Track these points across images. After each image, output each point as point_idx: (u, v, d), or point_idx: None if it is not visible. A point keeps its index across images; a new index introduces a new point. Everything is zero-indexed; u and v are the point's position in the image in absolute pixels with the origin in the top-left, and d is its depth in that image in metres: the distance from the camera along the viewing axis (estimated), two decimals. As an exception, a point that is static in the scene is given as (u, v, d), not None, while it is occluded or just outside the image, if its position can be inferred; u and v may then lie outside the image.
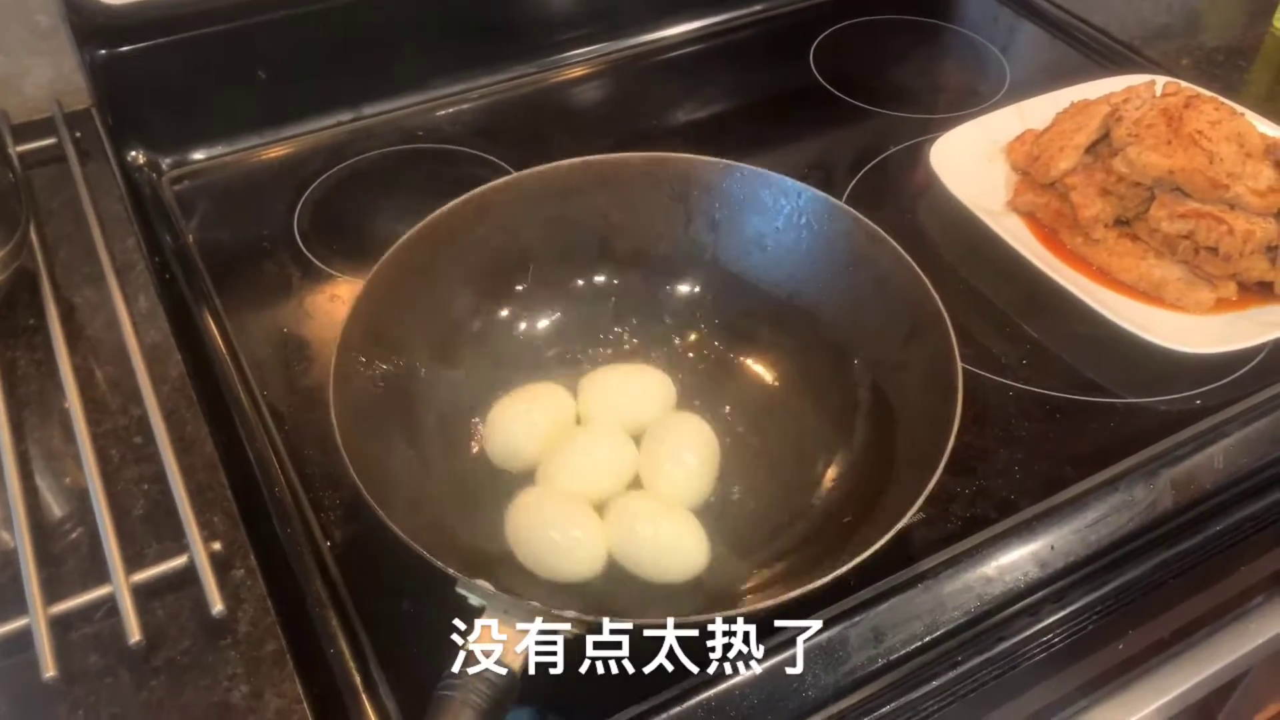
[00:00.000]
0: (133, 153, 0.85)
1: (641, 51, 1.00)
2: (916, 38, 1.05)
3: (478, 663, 0.46)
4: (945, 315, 0.59)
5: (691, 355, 0.68)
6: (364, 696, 0.52)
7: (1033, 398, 0.68)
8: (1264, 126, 0.78)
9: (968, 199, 0.78)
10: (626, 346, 0.69)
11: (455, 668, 0.46)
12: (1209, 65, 0.98)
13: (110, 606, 0.53)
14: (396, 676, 0.53)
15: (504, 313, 0.68)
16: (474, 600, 0.48)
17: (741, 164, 0.68)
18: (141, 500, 0.59)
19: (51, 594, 0.53)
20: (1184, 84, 0.81)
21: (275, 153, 0.88)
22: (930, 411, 0.56)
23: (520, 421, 0.61)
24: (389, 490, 0.53)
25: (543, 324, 0.68)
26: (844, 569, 0.49)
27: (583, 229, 0.68)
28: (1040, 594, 0.59)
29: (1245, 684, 0.90)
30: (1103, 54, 0.99)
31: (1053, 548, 0.60)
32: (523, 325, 0.68)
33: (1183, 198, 0.73)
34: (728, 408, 0.65)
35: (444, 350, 0.64)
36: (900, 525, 0.50)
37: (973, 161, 0.83)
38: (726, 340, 0.69)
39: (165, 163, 0.86)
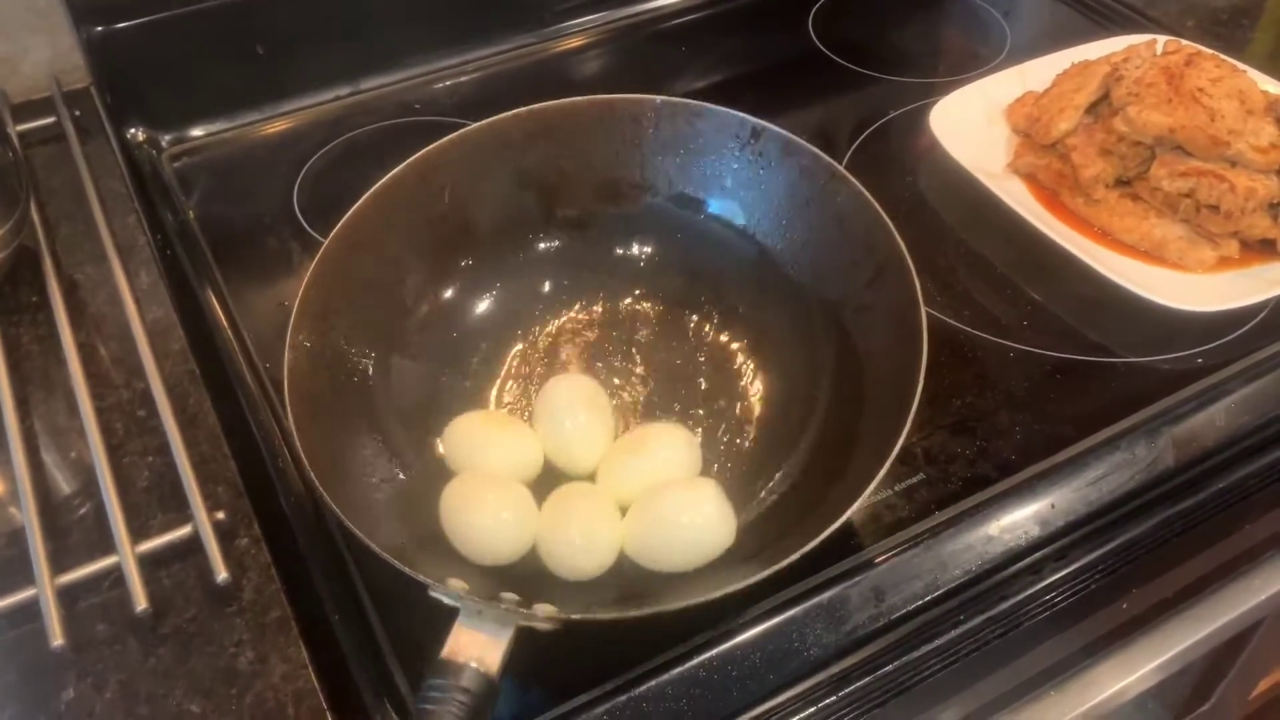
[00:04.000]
0: (132, 130, 0.85)
1: (640, 20, 1.00)
2: (917, 1, 1.04)
3: (455, 670, 0.45)
4: (906, 255, 0.58)
5: (649, 309, 0.68)
6: (368, 661, 0.52)
7: (1034, 359, 0.68)
8: (1266, 84, 0.78)
9: (968, 162, 0.78)
10: (579, 310, 0.68)
11: (434, 678, 0.45)
12: (1213, 24, 0.97)
13: (116, 576, 0.54)
14: (400, 640, 0.53)
15: (448, 293, 0.66)
16: (449, 603, 0.47)
17: (692, 100, 0.66)
18: (146, 472, 0.59)
19: (58, 565, 0.54)
20: (1185, 42, 0.80)
21: (274, 128, 0.88)
22: (897, 357, 0.56)
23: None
24: (351, 488, 0.53)
25: (494, 290, 0.67)
26: (823, 535, 0.49)
27: (534, 182, 0.67)
28: (1042, 552, 0.59)
29: (1252, 646, 0.90)
30: (1105, 15, 0.98)
31: (1053, 506, 0.60)
32: (474, 296, 0.67)
33: (1184, 156, 0.73)
34: (690, 361, 0.65)
35: (394, 337, 0.63)
36: (876, 480, 0.50)
37: (973, 124, 0.82)
38: (687, 293, 0.68)
39: (165, 139, 0.86)
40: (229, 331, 0.69)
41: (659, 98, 0.67)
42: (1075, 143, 0.76)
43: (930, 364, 0.65)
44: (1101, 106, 0.78)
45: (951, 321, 0.70)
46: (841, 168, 0.63)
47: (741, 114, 0.66)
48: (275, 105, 0.89)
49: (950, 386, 0.65)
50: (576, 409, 0.59)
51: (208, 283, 0.73)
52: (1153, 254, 0.73)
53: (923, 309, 0.56)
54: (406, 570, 0.47)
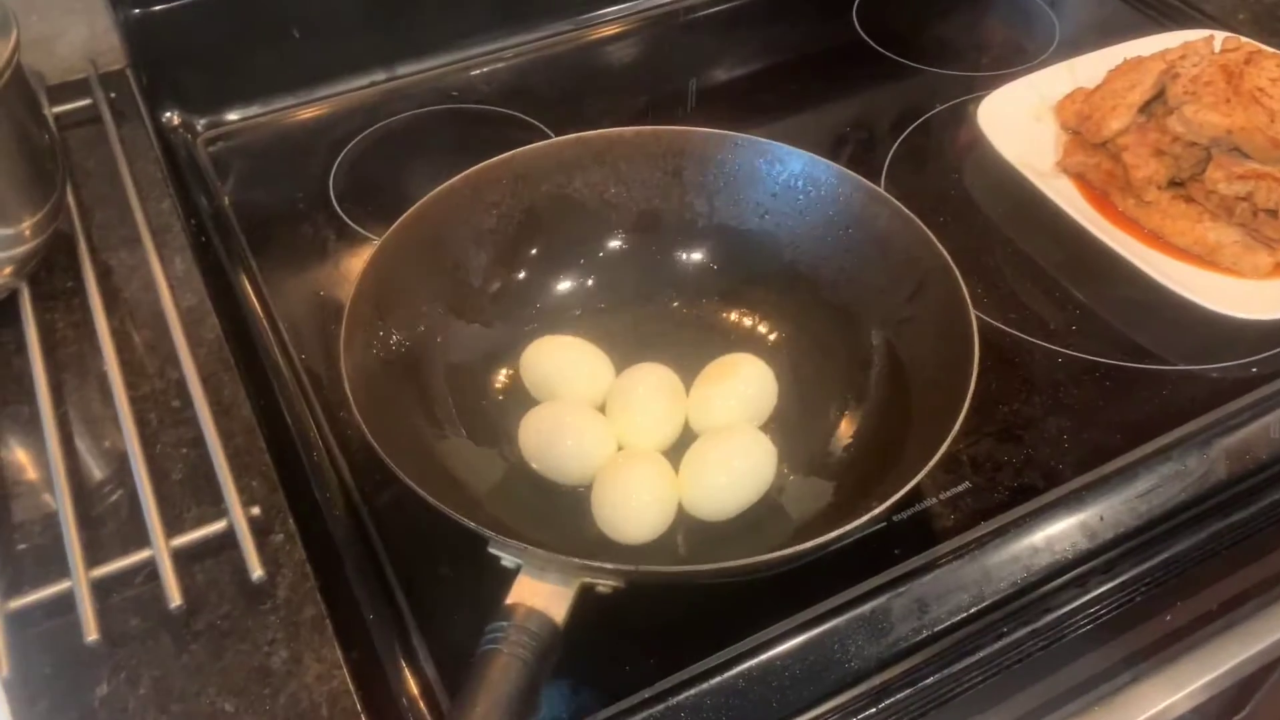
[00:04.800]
0: (168, 113, 0.85)
1: (679, 8, 0.98)
2: (963, -8, 1.02)
3: (521, 615, 0.45)
4: (952, 264, 0.59)
5: (694, 321, 0.67)
6: (403, 662, 0.52)
7: (1082, 364, 0.66)
8: (1328, 84, 0.75)
9: (1016, 159, 0.76)
10: (628, 315, 0.68)
11: (499, 621, 0.45)
12: (1269, 20, 0.94)
13: (150, 570, 0.53)
14: (436, 642, 0.52)
15: (520, 275, 0.67)
16: (507, 562, 0.48)
17: (735, 133, 0.67)
18: (180, 464, 0.59)
19: (92, 557, 0.53)
20: (1244, 39, 0.78)
21: (310, 113, 0.87)
22: (946, 361, 0.56)
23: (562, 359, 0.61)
24: (411, 453, 0.53)
25: (555, 288, 0.68)
26: (870, 514, 0.49)
27: (580, 205, 0.68)
28: (1088, 565, 0.58)
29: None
30: (1157, 9, 0.96)
31: (1102, 518, 0.58)
32: (534, 291, 0.68)
33: (1241, 158, 0.71)
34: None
35: (461, 308, 0.64)
36: (924, 471, 0.50)
37: (1021, 121, 0.81)
38: (729, 306, 0.68)
39: (200, 123, 0.85)
40: (264, 321, 0.69)
41: (702, 130, 0.67)
42: (1127, 142, 0.74)
43: (978, 369, 0.65)
44: (1155, 105, 0.76)
45: (998, 324, 0.68)
46: (881, 189, 0.63)
47: (783, 145, 0.66)
48: (311, 90, 0.88)
49: (997, 392, 0.64)
50: (655, 397, 0.60)
51: (242, 270, 0.73)
52: (1206, 259, 0.71)
53: (972, 312, 0.56)
54: (470, 524, 0.47)
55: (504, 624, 0.45)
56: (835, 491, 0.57)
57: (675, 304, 0.68)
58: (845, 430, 0.61)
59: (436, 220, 0.63)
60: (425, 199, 0.62)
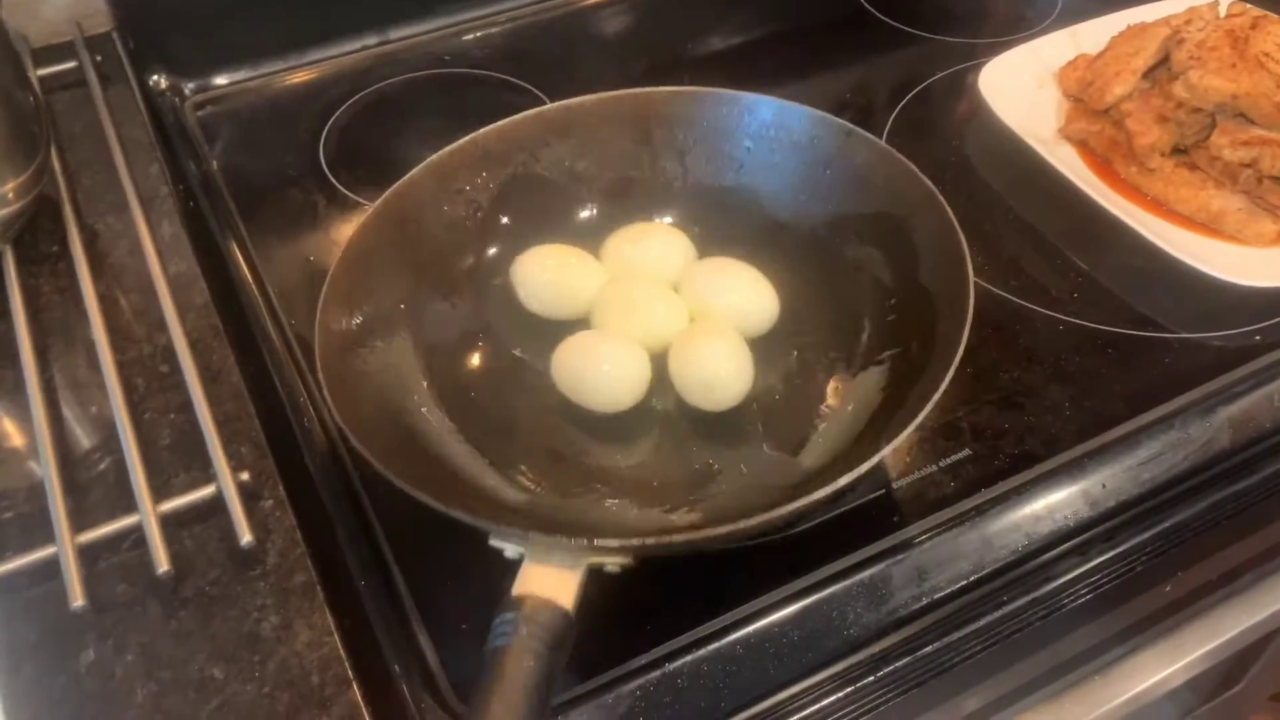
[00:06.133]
0: (155, 77, 0.83)
1: (676, -27, 0.97)
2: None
3: (530, 606, 0.43)
4: (936, 192, 0.58)
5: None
6: (395, 628, 0.51)
7: (1084, 332, 0.65)
8: (1334, 50, 0.74)
9: (1018, 126, 0.75)
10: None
11: (507, 614, 0.43)
12: (1274, -15, 0.93)
13: (138, 536, 0.52)
14: (428, 608, 0.52)
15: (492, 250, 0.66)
16: (510, 553, 0.46)
17: (699, 88, 0.65)
18: (168, 429, 0.58)
19: (79, 523, 0.52)
20: (1249, 4, 0.77)
21: (300, 78, 0.86)
22: (944, 292, 0.56)
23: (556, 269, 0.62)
24: (401, 452, 0.52)
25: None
26: (879, 454, 0.48)
27: (549, 182, 0.66)
28: (1089, 534, 0.57)
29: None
30: (1160, -25, 0.95)
31: (1104, 486, 0.58)
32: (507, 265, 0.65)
33: (1246, 124, 0.70)
34: None
35: (436, 288, 0.62)
36: (929, 407, 0.49)
37: (1023, 88, 0.80)
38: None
39: (188, 87, 0.84)
40: (253, 286, 0.68)
41: (663, 89, 0.66)
42: (1131, 108, 0.73)
43: (977, 336, 0.63)
44: (1159, 71, 0.75)
45: (999, 291, 0.67)
46: (851, 124, 0.62)
47: (746, 94, 0.65)
48: (301, 55, 0.86)
49: (998, 359, 0.63)
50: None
51: (231, 236, 0.72)
52: (1210, 226, 0.70)
53: (962, 237, 0.56)
54: (471, 520, 0.45)
55: (512, 616, 0.43)
56: (839, 447, 0.56)
57: None
58: (842, 384, 0.59)
59: (404, 213, 0.61)
60: (390, 191, 0.61)
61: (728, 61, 0.90)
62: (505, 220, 0.65)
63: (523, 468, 0.56)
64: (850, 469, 0.47)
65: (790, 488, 0.54)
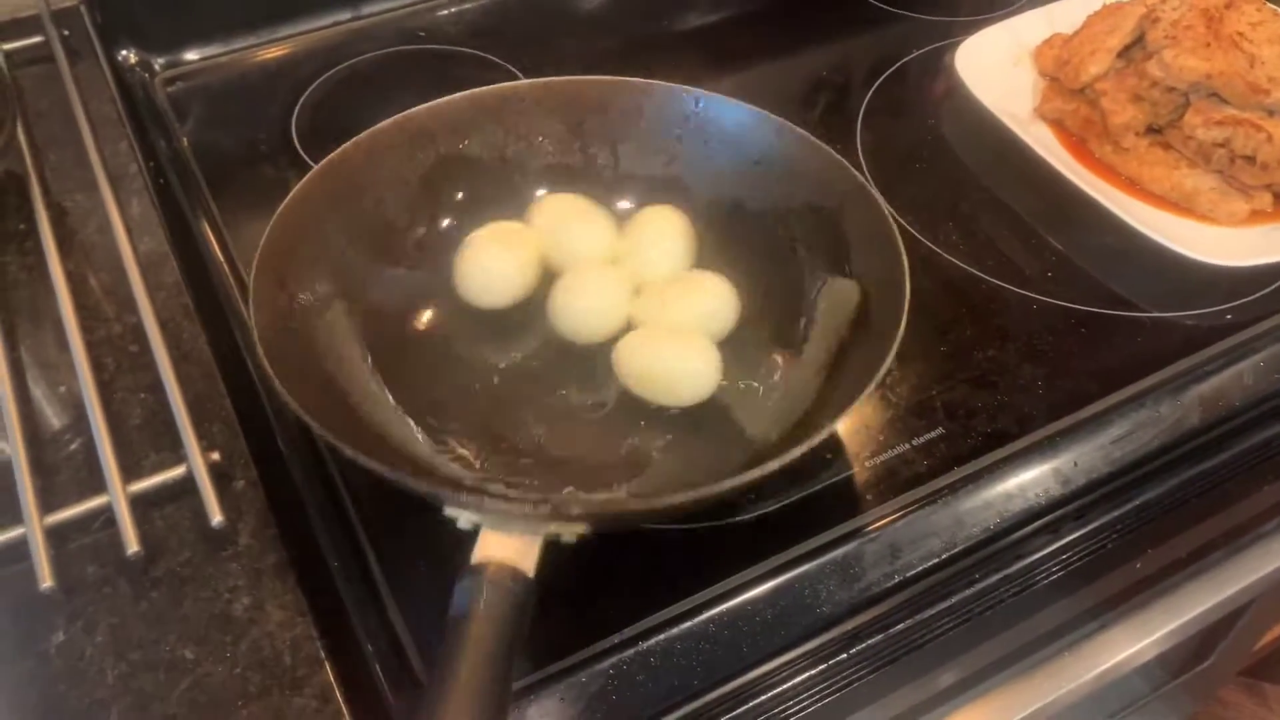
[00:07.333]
0: (124, 52, 0.82)
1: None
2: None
3: (491, 572, 0.43)
4: (866, 185, 0.59)
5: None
6: (369, 608, 0.51)
7: (1057, 311, 0.65)
8: (1308, 30, 0.75)
9: (993, 105, 0.75)
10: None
11: (467, 581, 0.43)
12: (1248, -33, 0.93)
13: (108, 517, 0.52)
14: (401, 588, 0.51)
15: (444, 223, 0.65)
16: (464, 524, 0.45)
17: (630, 78, 0.65)
18: (138, 409, 0.57)
19: (47, 504, 0.52)
20: (1224, -16, 0.77)
21: (272, 53, 0.84)
22: (881, 280, 0.56)
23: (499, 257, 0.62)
24: (345, 418, 0.52)
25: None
26: (824, 431, 0.49)
27: (480, 166, 0.66)
28: (1061, 511, 0.58)
29: (1255, 606, 0.89)
30: (1136, -46, 0.94)
31: (1075, 464, 0.58)
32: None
33: (1220, 104, 0.70)
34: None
35: (385, 253, 0.62)
36: (870, 388, 0.49)
37: (999, 67, 0.80)
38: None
39: (158, 63, 0.82)
40: (224, 265, 0.67)
41: (597, 78, 0.66)
42: (1105, 87, 0.73)
43: (951, 315, 0.64)
44: (1134, 50, 0.75)
45: (973, 270, 0.68)
46: (784, 120, 0.62)
47: (676, 86, 0.65)
48: (273, 30, 0.85)
49: (971, 338, 0.63)
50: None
51: (202, 213, 0.71)
52: (1183, 205, 0.70)
53: (894, 227, 0.56)
54: (422, 487, 0.46)
55: (473, 583, 0.42)
56: (795, 422, 0.56)
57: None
58: (789, 362, 0.60)
59: (334, 189, 0.60)
60: (320, 164, 0.60)
61: (703, 39, 0.90)
62: (443, 199, 0.65)
63: (465, 442, 0.56)
64: (797, 445, 0.47)
65: (737, 466, 0.54)
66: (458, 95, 0.64)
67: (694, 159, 0.65)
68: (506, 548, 0.44)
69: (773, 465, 0.46)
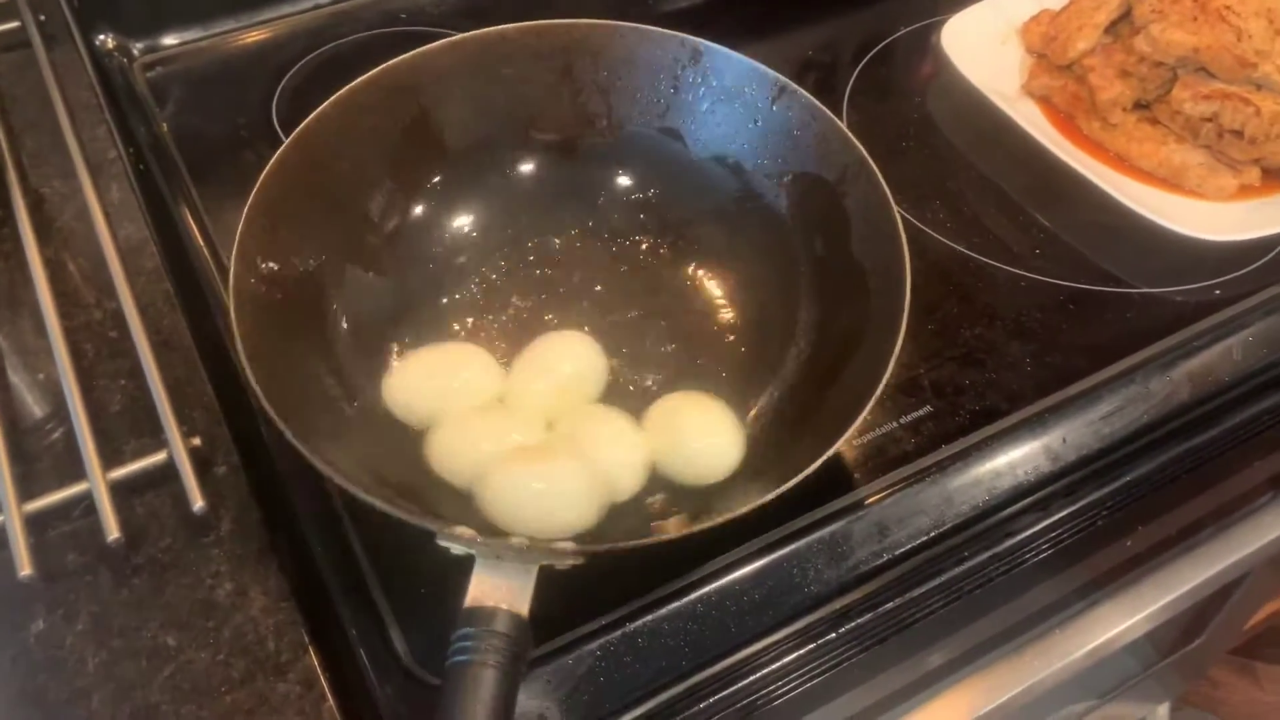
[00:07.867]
0: (101, 36, 0.81)
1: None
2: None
3: (485, 617, 0.42)
4: (869, 159, 0.56)
5: (618, 243, 0.64)
6: (353, 594, 0.50)
7: (1046, 288, 0.65)
8: (1296, 3, 0.74)
9: (980, 83, 0.75)
10: (537, 242, 0.63)
11: (463, 628, 0.42)
12: (1235, -58, 0.93)
13: (88, 504, 0.51)
14: (385, 572, 0.51)
15: (418, 209, 0.62)
16: (456, 551, 0.44)
17: (622, 22, 0.62)
18: (118, 395, 0.56)
19: (26, 491, 0.51)
20: (1211, -42, 0.77)
21: (252, 37, 0.83)
22: (879, 264, 0.54)
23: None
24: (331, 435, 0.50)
25: (468, 210, 0.63)
26: (830, 450, 0.47)
27: (464, 119, 0.62)
28: (1050, 488, 0.57)
29: (1247, 583, 0.89)
30: (1123, -69, 0.94)
31: (1065, 440, 0.58)
32: (446, 214, 0.63)
33: (1207, 78, 0.70)
34: (660, 289, 0.62)
35: (358, 254, 0.59)
36: (874, 398, 0.48)
37: (986, 44, 0.79)
38: (653, 224, 0.64)
39: (136, 48, 0.81)
40: (205, 250, 0.66)
41: (590, 21, 0.63)
42: (1093, 63, 0.73)
43: (939, 293, 0.64)
44: (1122, 25, 0.74)
45: (961, 248, 0.67)
46: (787, 80, 0.60)
47: (676, 33, 0.62)
48: (253, 13, 0.84)
49: (959, 316, 0.63)
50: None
51: (182, 199, 0.70)
52: (1171, 181, 0.70)
53: (895, 209, 0.54)
54: (415, 519, 0.44)
55: (469, 630, 0.42)
56: (797, 422, 0.55)
57: (590, 224, 0.64)
58: (791, 355, 0.58)
59: (311, 159, 0.57)
60: (298, 130, 0.57)
61: (688, 19, 0.88)
62: (435, 179, 0.63)
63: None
64: (796, 471, 0.46)
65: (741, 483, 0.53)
66: (436, 44, 0.61)
67: (691, 112, 0.63)
68: (499, 587, 0.43)
69: (769, 497, 0.45)
